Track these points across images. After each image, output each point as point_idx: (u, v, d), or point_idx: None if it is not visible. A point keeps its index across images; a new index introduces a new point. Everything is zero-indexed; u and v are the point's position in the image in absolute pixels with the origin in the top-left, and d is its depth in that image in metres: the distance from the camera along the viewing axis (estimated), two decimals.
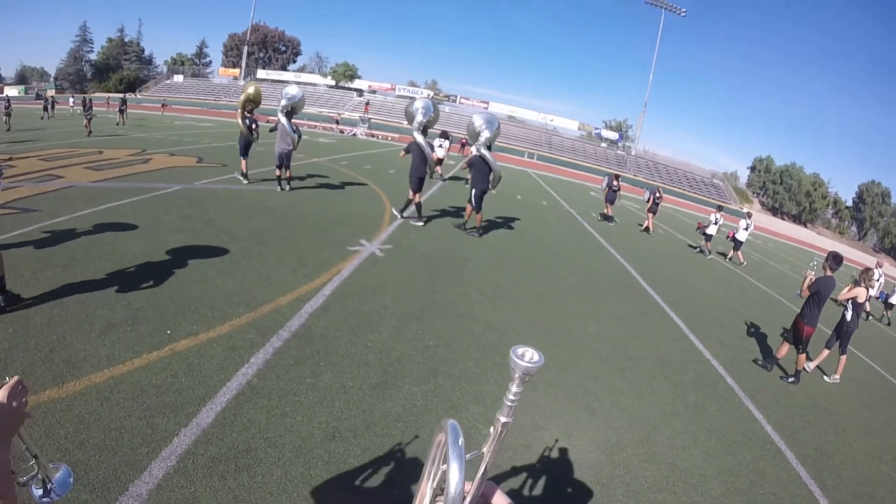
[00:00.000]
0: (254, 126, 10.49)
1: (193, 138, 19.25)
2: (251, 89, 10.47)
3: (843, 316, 6.89)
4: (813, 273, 6.39)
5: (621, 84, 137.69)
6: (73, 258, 5.07)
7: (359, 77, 60.98)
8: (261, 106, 11.29)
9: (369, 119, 39.66)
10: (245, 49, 63.88)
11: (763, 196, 66.53)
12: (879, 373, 8.21)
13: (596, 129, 62.30)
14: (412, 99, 10.08)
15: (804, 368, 6.56)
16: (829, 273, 6.17)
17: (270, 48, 70.82)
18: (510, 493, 2.08)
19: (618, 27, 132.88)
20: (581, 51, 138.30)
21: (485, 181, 9.46)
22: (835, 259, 6.18)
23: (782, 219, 59.90)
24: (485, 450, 0.61)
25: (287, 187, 10.64)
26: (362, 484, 2.79)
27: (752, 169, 68.35)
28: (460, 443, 0.57)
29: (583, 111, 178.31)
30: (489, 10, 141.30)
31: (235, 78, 62.25)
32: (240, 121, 10.41)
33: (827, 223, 65.99)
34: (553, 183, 30.81)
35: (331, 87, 60.90)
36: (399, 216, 9.84)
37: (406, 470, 2.98)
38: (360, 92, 59.54)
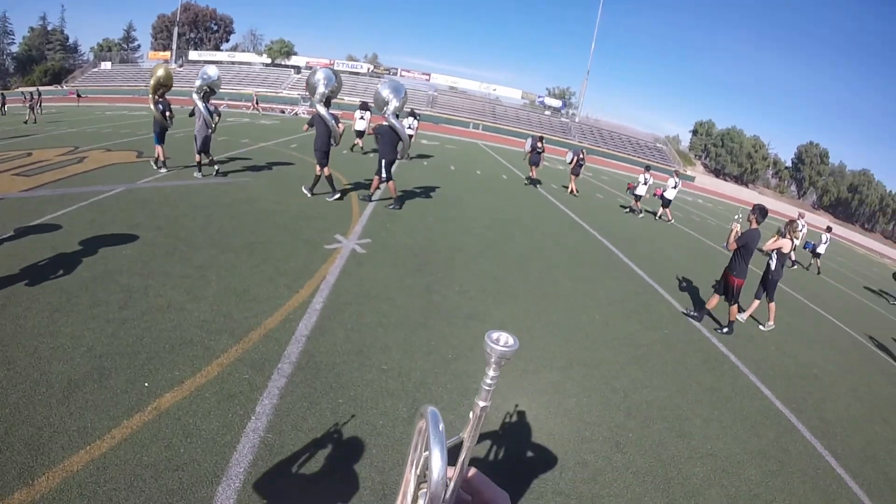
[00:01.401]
0: (167, 112, 9.90)
1: (128, 130, 17.38)
2: (161, 72, 9.76)
3: (769, 266, 7.19)
4: (739, 226, 6.41)
5: (564, 52, 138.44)
6: (8, 296, 4.19)
7: (295, 54, 58.09)
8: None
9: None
10: (175, 30, 59.44)
11: (706, 159, 68.95)
12: (840, 327, 8.85)
13: (539, 97, 62.33)
14: (312, 69, 9.55)
15: (737, 319, 6.83)
16: (754, 225, 6.27)
17: (202, 28, 66.02)
18: None
19: None
20: (523, 19, 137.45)
21: (393, 150, 9.17)
22: (760, 212, 6.26)
23: (725, 180, 62.40)
24: (465, 434, 0.59)
25: (212, 172, 10.10)
26: None
27: (695, 132, 70.44)
28: (440, 428, 0.56)
29: (526, 80, 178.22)
30: None
31: (166, 61, 57.91)
32: (152, 106, 9.76)
33: (767, 183, 69.41)
34: (505, 154, 30.47)
35: (267, 65, 57.75)
36: (308, 194, 9.44)
37: None
38: (297, 69, 56.74)
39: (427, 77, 58.41)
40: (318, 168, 9.21)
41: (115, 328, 3.89)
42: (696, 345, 5.93)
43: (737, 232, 6.32)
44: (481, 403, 0.57)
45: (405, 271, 6.33)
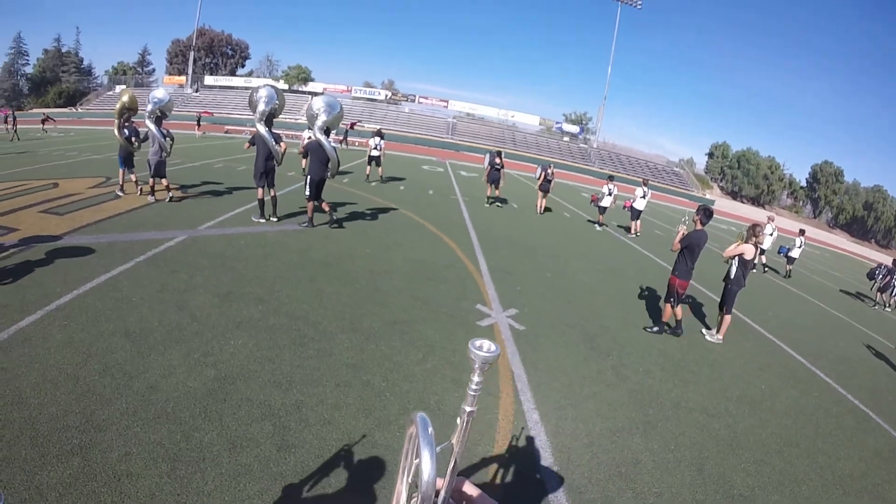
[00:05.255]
0: (134, 137, 9.71)
1: (180, 158, 16.35)
2: (125, 97, 9.62)
3: (728, 274, 6.64)
4: (685, 228, 6.31)
5: (581, 77, 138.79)
6: (85, 418, 2.99)
7: (312, 80, 57.90)
8: (220, 115, 9.40)
9: (349, 126, 36.20)
10: (191, 54, 59.18)
11: (722, 181, 68.19)
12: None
13: (557, 123, 61.82)
14: (255, 87, 9.11)
15: (680, 319, 6.49)
16: (699, 227, 6.19)
17: (218, 53, 66.11)
18: None
19: (576, 20, 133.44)
20: (540, 45, 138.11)
21: (322, 169, 8.70)
22: (705, 213, 6.21)
23: (742, 202, 61.52)
24: (454, 441, 0.59)
25: (167, 198, 9.55)
26: None
27: (710, 155, 69.97)
28: (430, 432, 0.57)
29: (543, 106, 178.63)
30: (447, 6, 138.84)
31: (181, 86, 57.76)
32: (116, 132, 9.55)
33: (782, 203, 68.56)
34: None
35: (283, 90, 57.42)
36: (268, 220, 8.89)
37: None
38: (314, 95, 56.40)
39: (445, 104, 57.98)
40: (259, 192, 8.75)
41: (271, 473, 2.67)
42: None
43: (683, 233, 6.21)
44: (468, 409, 0.57)
45: (578, 350, 5.38)
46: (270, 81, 59.44)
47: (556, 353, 5.20)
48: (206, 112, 39.95)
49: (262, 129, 8.53)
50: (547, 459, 3.39)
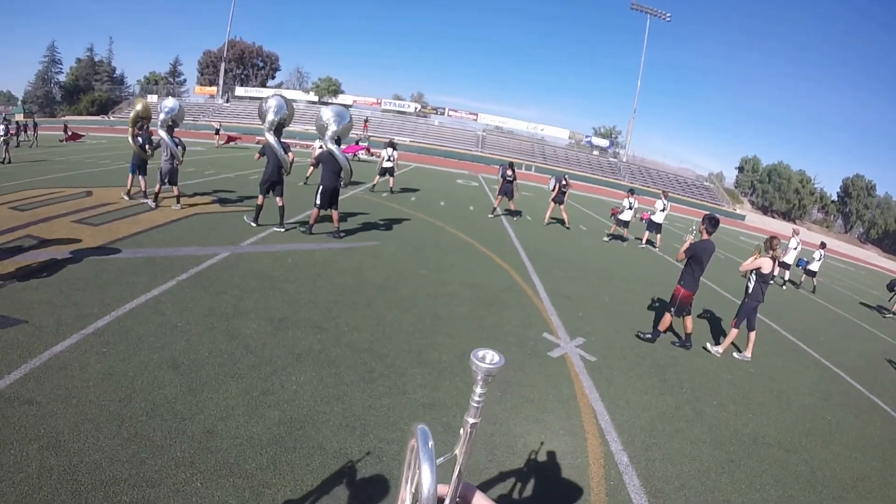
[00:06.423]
0: (147, 144, 9.80)
1: (193, 168, 16.14)
2: (139, 106, 9.84)
3: (746, 289, 6.36)
4: (692, 238, 6.18)
5: (610, 90, 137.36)
6: (134, 468, 2.52)
7: (343, 92, 58.19)
8: (238, 125, 9.31)
9: (369, 137, 36.21)
10: (222, 66, 60.21)
11: (752, 196, 66.32)
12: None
13: (586, 136, 60.93)
14: (265, 97, 9.14)
15: (668, 330, 6.35)
16: (705, 236, 6.06)
17: (248, 64, 66.98)
18: None
19: (605, 33, 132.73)
20: (569, 58, 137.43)
21: (335, 178, 8.56)
22: (710, 222, 6.07)
23: (773, 217, 59.57)
24: (457, 451, 0.59)
25: (177, 206, 9.35)
26: None
27: (740, 169, 68.13)
28: (430, 445, 0.57)
29: (573, 119, 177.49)
30: (475, 20, 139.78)
31: (212, 96, 58.73)
32: (130, 140, 9.72)
33: (813, 218, 66.45)
34: (580, 200, 28.66)
35: (313, 102, 57.94)
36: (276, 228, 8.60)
37: None
38: (346, 108, 56.75)
39: (475, 117, 57.67)
40: (259, 198, 8.62)
41: None
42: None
43: (689, 243, 6.07)
44: (471, 420, 0.58)
45: (653, 384, 5.00)
46: (301, 93, 60.34)
47: (631, 386, 4.85)
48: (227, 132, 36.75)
49: (271, 138, 8.46)
50: None
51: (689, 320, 6.12)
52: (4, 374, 3.26)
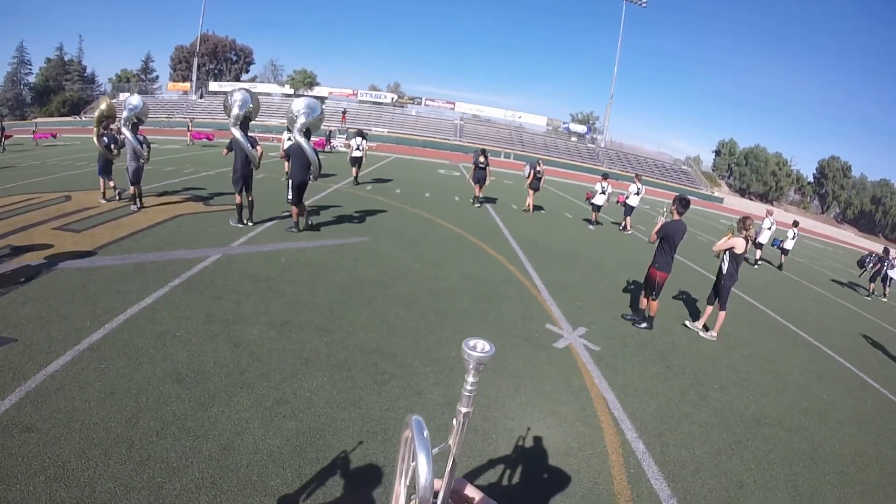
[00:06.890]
0: (113, 144, 9.70)
1: (172, 167, 15.76)
2: (103, 105, 9.58)
3: (720, 269, 6.42)
4: (663, 219, 6.17)
5: (587, 77, 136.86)
6: (153, 494, 2.40)
7: (318, 84, 57.12)
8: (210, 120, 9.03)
9: (347, 129, 35.75)
10: (195, 61, 58.50)
11: (730, 178, 67.45)
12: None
13: (564, 123, 61.12)
14: (230, 91, 9.06)
15: (653, 315, 6.30)
16: (676, 217, 6.04)
17: (222, 58, 65.19)
18: None
19: (581, 20, 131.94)
20: (545, 46, 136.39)
21: (304, 172, 8.35)
22: (681, 202, 6.06)
23: (750, 199, 60.68)
24: (451, 442, 0.60)
25: (137, 206, 9.04)
26: None
27: (717, 153, 69.19)
28: (425, 435, 0.57)
29: (550, 106, 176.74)
30: (451, 9, 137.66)
31: (185, 92, 57.14)
32: (95, 140, 9.50)
33: (790, 199, 67.88)
34: (560, 187, 28.74)
35: (288, 95, 56.89)
36: (246, 224, 8.58)
37: None
38: (322, 100, 55.88)
39: (452, 106, 57.37)
40: (237, 197, 8.50)
41: None
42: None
43: (660, 224, 6.09)
44: (463, 409, 0.58)
45: (657, 371, 5.08)
46: (276, 87, 59.20)
47: (637, 374, 4.92)
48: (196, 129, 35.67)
49: (237, 133, 8.24)
50: (664, 492, 3.20)
51: (652, 303, 6.21)
52: None
